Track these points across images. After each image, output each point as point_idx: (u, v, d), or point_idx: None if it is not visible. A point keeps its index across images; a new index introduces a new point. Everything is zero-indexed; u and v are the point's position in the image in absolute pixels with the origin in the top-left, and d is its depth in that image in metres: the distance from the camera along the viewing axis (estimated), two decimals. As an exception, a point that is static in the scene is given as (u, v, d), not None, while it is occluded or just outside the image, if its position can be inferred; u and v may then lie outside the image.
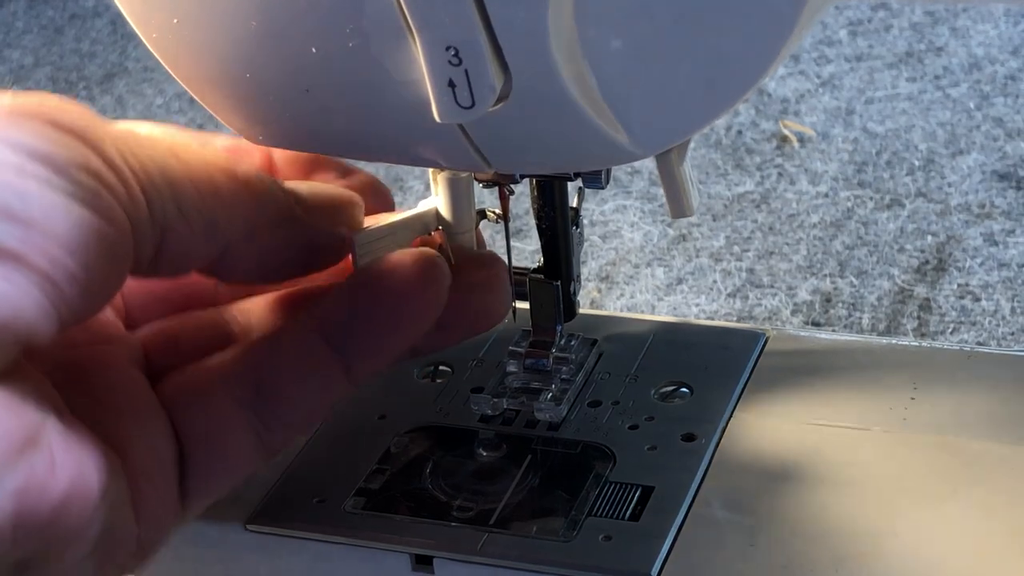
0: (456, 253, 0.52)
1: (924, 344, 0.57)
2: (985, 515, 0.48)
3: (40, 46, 1.14)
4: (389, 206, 0.53)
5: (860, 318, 0.76)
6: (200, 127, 0.94)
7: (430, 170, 0.52)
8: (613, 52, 0.41)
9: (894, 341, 0.57)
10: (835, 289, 0.78)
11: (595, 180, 0.51)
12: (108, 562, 0.43)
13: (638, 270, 0.82)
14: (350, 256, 0.50)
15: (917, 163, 0.89)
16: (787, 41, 0.40)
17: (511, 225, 0.55)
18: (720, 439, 0.52)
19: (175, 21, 0.45)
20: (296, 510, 0.52)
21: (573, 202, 0.55)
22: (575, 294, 0.56)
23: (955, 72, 0.98)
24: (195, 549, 0.53)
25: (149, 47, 0.47)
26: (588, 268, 0.82)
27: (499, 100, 0.42)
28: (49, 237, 0.39)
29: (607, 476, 0.51)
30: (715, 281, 0.80)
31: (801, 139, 0.92)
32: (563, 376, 0.55)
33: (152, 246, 0.44)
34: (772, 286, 0.79)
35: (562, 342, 0.55)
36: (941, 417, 0.52)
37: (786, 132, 0.93)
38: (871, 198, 0.86)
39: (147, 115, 1.01)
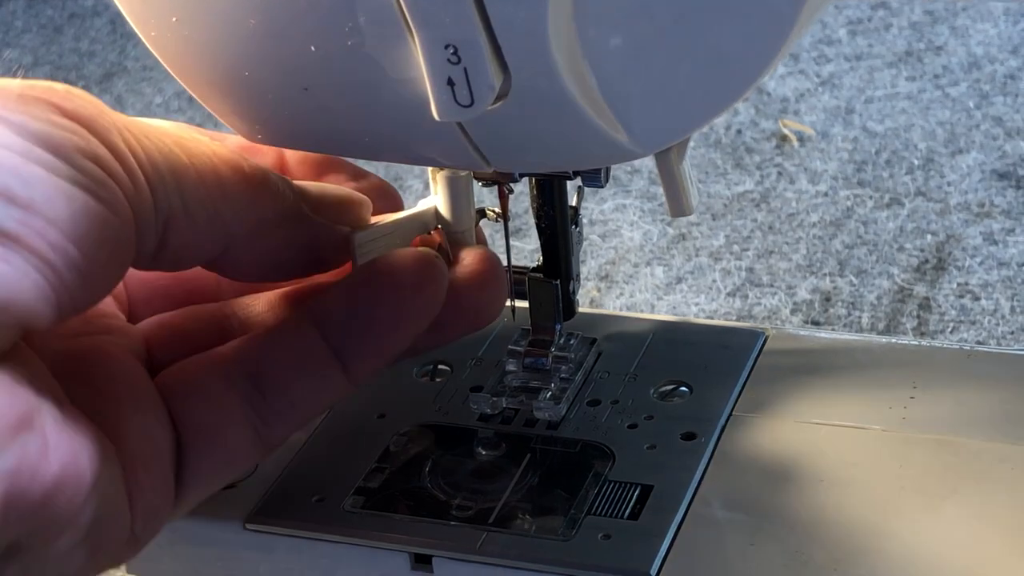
0: (452, 251, 0.52)
1: (924, 343, 0.57)
2: (984, 514, 0.48)
3: (39, 45, 1.14)
4: (398, 209, 0.54)
5: (860, 317, 0.76)
6: (199, 126, 0.93)
7: (429, 169, 0.52)
8: (612, 51, 0.41)
9: (894, 340, 0.57)
10: (835, 288, 0.78)
11: (594, 179, 0.51)
12: (100, 550, 0.43)
13: (637, 269, 0.82)
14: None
15: (917, 162, 0.89)
16: (786, 40, 0.40)
17: (510, 224, 0.55)
18: (719, 438, 0.52)
19: (174, 20, 0.45)
20: (295, 509, 0.52)
21: (572, 201, 0.55)
22: (574, 293, 0.56)
23: (955, 71, 0.98)
24: (194, 548, 0.53)
25: (148, 46, 0.47)
26: (587, 267, 0.82)
27: (498, 98, 0.42)
28: (50, 222, 0.39)
29: (606, 475, 0.51)
30: (714, 280, 0.80)
31: (801, 138, 0.92)
32: (562, 375, 0.55)
33: (155, 237, 0.44)
34: (772, 285, 0.79)
35: (561, 341, 0.55)
36: (941, 416, 0.52)
37: (786, 131, 0.93)
38: (871, 197, 0.86)
39: (146, 114, 1.01)
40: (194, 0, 0.44)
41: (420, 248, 0.50)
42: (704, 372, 0.55)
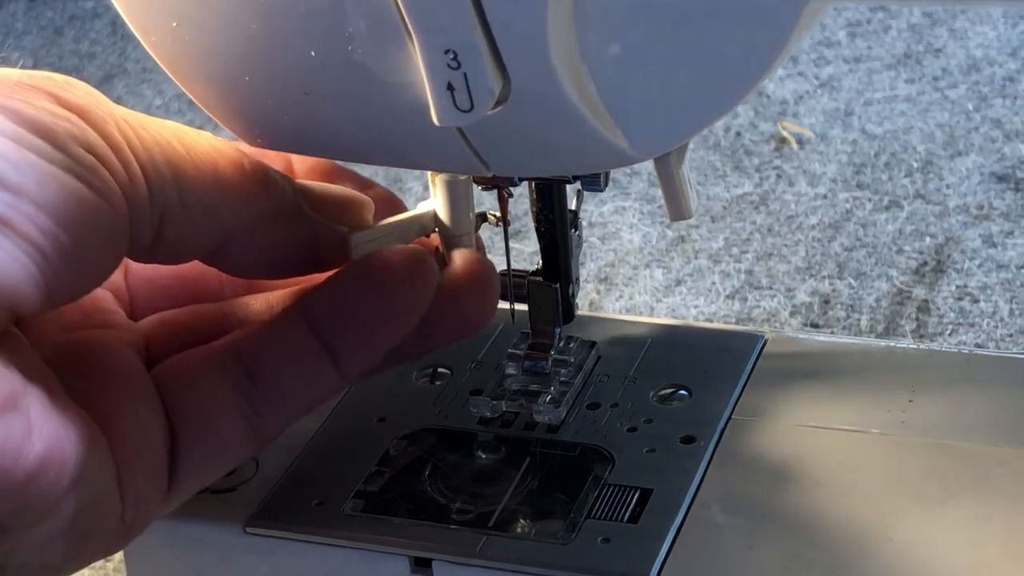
0: (445, 253, 0.52)
1: (923, 347, 0.57)
2: (983, 518, 0.48)
3: (39, 47, 1.14)
4: None
5: (859, 319, 0.76)
6: (199, 128, 0.94)
7: (429, 172, 0.52)
8: (612, 56, 0.41)
9: (892, 344, 0.57)
10: (834, 291, 0.78)
11: (594, 183, 0.51)
12: (89, 537, 0.44)
13: (637, 271, 0.82)
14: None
15: (915, 164, 0.89)
16: (785, 45, 0.40)
17: (510, 226, 0.55)
18: (719, 441, 0.53)
19: (175, 24, 0.45)
20: (296, 512, 0.52)
21: (572, 204, 0.55)
22: (574, 296, 0.56)
23: (953, 74, 0.98)
24: (194, 551, 0.53)
25: (148, 50, 0.47)
26: (587, 269, 0.82)
27: (498, 103, 0.42)
28: (40, 207, 0.40)
29: (606, 478, 0.51)
30: (714, 283, 0.80)
31: (800, 140, 0.92)
32: (562, 378, 0.55)
33: (151, 229, 0.44)
34: (771, 287, 0.79)
35: (561, 344, 0.56)
36: (939, 420, 0.52)
37: (785, 134, 0.93)
38: (869, 199, 0.86)
39: (146, 116, 1.00)
40: (195, 5, 0.44)
41: (411, 245, 0.50)
42: (703, 376, 0.55)
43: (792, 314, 0.77)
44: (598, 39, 0.41)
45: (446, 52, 0.41)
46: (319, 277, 0.51)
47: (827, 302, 0.78)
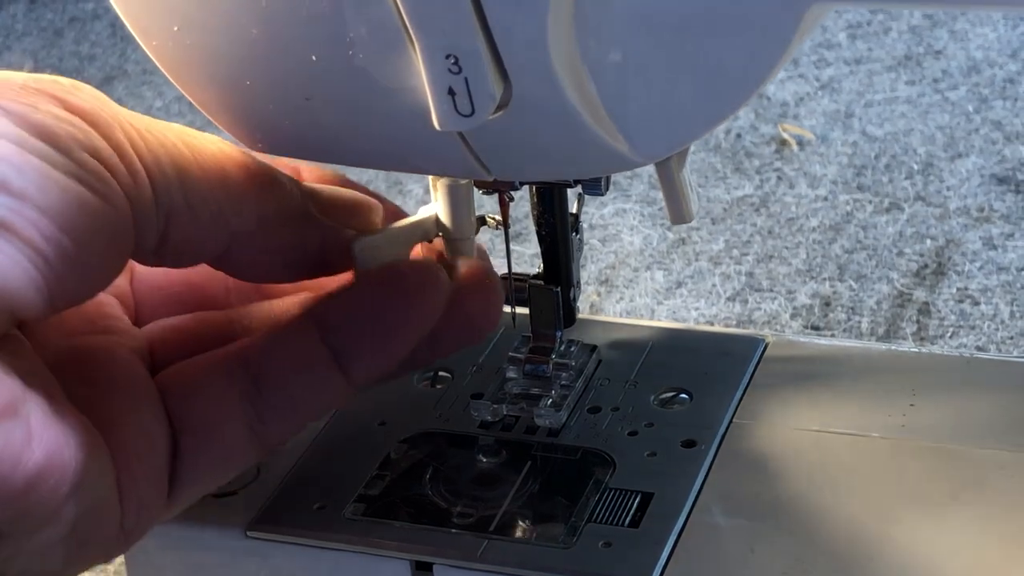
0: (451, 259, 0.52)
1: (923, 350, 0.57)
2: (984, 522, 0.48)
3: (39, 48, 1.14)
4: None
5: (859, 322, 0.76)
6: (200, 130, 0.94)
7: (430, 176, 0.52)
8: (613, 61, 0.41)
9: (893, 347, 0.57)
10: (834, 293, 0.78)
11: (595, 187, 0.51)
12: (88, 543, 0.44)
13: (637, 274, 0.82)
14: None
15: (916, 167, 0.89)
16: (785, 51, 0.40)
17: (510, 229, 0.55)
18: (720, 445, 0.53)
19: (175, 29, 0.45)
20: (297, 516, 0.52)
21: (573, 208, 0.55)
22: (575, 300, 0.56)
23: (954, 75, 0.98)
24: (196, 554, 0.53)
25: (149, 54, 0.47)
26: (587, 271, 0.82)
27: (499, 108, 0.42)
28: (43, 212, 0.40)
29: (607, 482, 0.51)
30: (714, 285, 0.80)
31: (800, 142, 0.92)
32: (563, 382, 0.55)
33: (156, 232, 0.44)
34: (771, 290, 0.79)
35: (562, 348, 0.56)
36: (940, 424, 0.52)
37: (785, 135, 0.93)
38: (870, 202, 0.86)
39: (147, 118, 1.00)
40: (196, 9, 0.44)
41: (423, 257, 0.50)
42: (704, 379, 0.55)
43: (793, 316, 0.77)
44: (599, 45, 0.41)
45: (447, 57, 0.41)
46: (326, 284, 0.51)
47: (828, 304, 0.78)
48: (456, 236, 0.52)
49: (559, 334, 0.55)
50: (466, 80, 0.41)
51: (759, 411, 0.54)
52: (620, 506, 0.50)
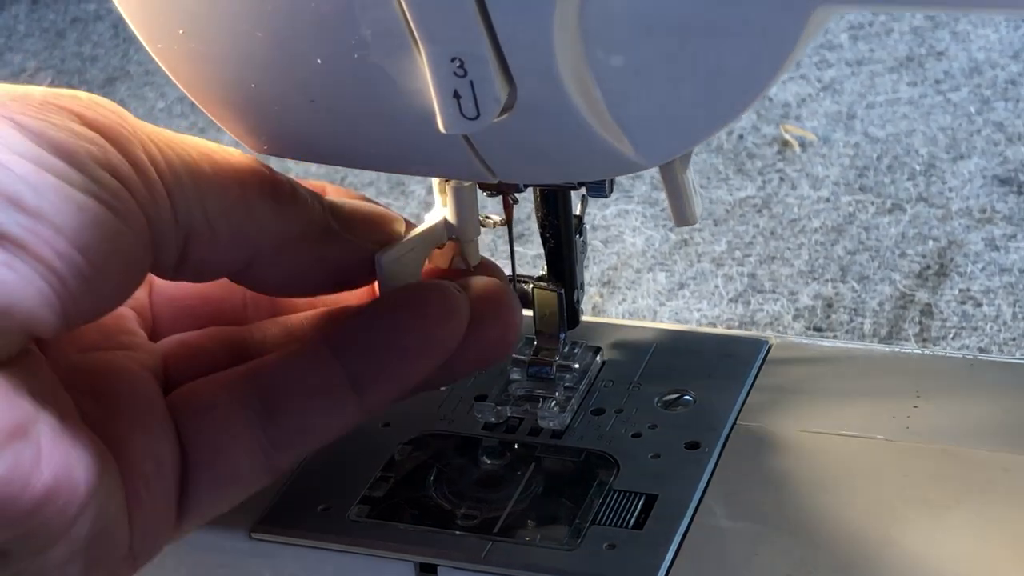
0: (468, 286, 0.51)
1: (927, 352, 0.57)
2: (988, 523, 0.48)
3: (42, 49, 1.14)
4: None
5: (862, 323, 0.76)
6: (201, 132, 0.94)
7: (435, 180, 0.52)
8: (617, 65, 0.41)
9: (897, 349, 0.57)
10: (837, 294, 0.79)
11: (599, 189, 0.51)
12: (97, 565, 0.43)
13: (640, 275, 0.82)
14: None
15: (918, 168, 0.89)
16: (789, 56, 0.40)
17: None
18: (723, 447, 0.53)
19: (181, 32, 0.45)
20: (300, 518, 0.52)
21: (576, 210, 0.55)
22: (578, 302, 0.56)
23: (956, 76, 0.98)
24: (199, 556, 0.53)
25: (154, 57, 0.47)
26: (590, 273, 0.82)
27: (504, 111, 0.42)
28: (58, 230, 0.40)
29: (611, 484, 0.51)
30: (717, 286, 0.80)
31: (802, 144, 0.92)
32: (566, 384, 0.55)
33: (176, 249, 0.44)
34: (774, 291, 0.79)
35: (565, 350, 0.56)
36: (944, 425, 0.52)
37: (787, 137, 0.93)
38: (872, 203, 0.86)
39: (148, 119, 1.00)
40: (201, 12, 0.44)
41: (442, 281, 0.50)
42: (708, 381, 0.55)
43: (795, 318, 0.77)
44: (604, 49, 0.41)
45: (452, 60, 0.41)
46: (342, 299, 0.51)
47: (830, 306, 0.78)
48: (462, 238, 0.52)
49: (563, 336, 0.55)
50: (471, 83, 0.41)
51: (763, 413, 0.54)
52: (624, 508, 0.50)
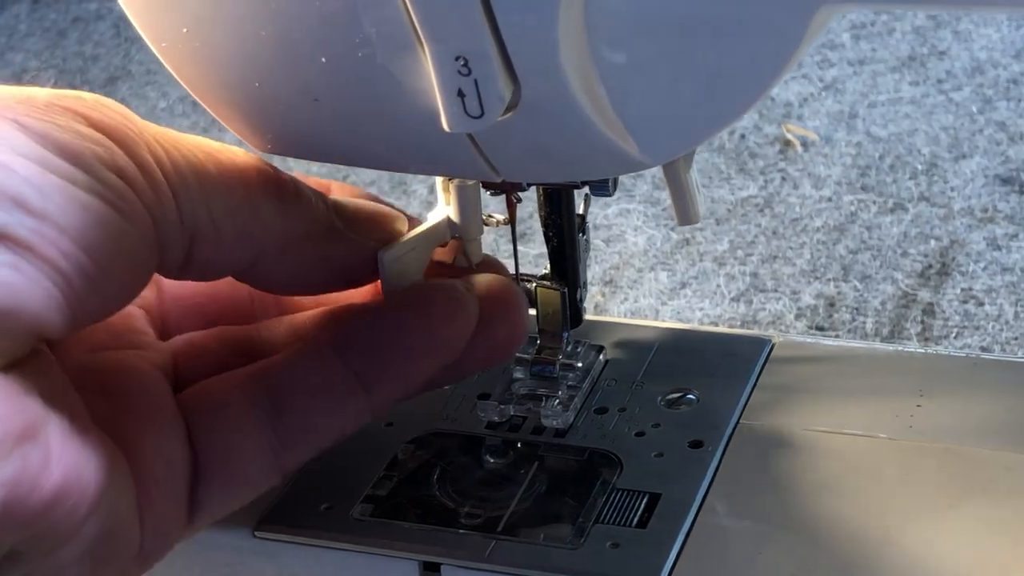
0: (475, 284, 0.51)
1: (930, 351, 0.57)
2: (991, 522, 0.48)
3: (43, 49, 1.14)
4: None
5: (864, 322, 0.76)
6: (204, 131, 0.94)
7: (439, 179, 0.52)
8: (622, 63, 0.41)
9: (900, 348, 0.58)
10: (839, 293, 0.79)
11: (602, 188, 0.51)
12: (107, 563, 0.43)
13: (642, 274, 0.82)
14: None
15: (920, 167, 0.89)
16: (793, 55, 0.40)
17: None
18: (727, 446, 0.53)
19: (185, 31, 0.45)
20: (304, 516, 0.52)
21: (579, 209, 0.55)
22: (581, 301, 0.56)
23: (958, 76, 0.98)
24: (203, 554, 0.53)
25: (158, 56, 0.47)
26: (592, 272, 0.82)
27: (508, 110, 0.42)
28: (63, 231, 0.40)
29: (614, 483, 0.51)
30: (719, 285, 0.80)
31: (804, 143, 0.92)
32: (570, 383, 0.55)
33: (181, 249, 0.44)
34: (776, 290, 0.79)
35: (569, 348, 0.56)
36: (947, 425, 0.52)
37: (789, 136, 0.93)
38: (874, 202, 0.86)
39: (150, 119, 1.00)
40: (205, 12, 0.44)
41: (450, 280, 0.50)
42: (711, 380, 0.55)
43: (797, 317, 0.77)
44: (609, 48, 0.41)
45: (457, 59, 0.41)
46: (348, 298, 0.51)
47: (832, 305, 0.78)
48: (465, 237, 0.52)
49: (566, 335, 0.55)
50: (476, 82, 0.41)
51: (766, 412, 0.54)
52: (627, 507, 0.50)
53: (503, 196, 0.53)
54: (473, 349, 0.49)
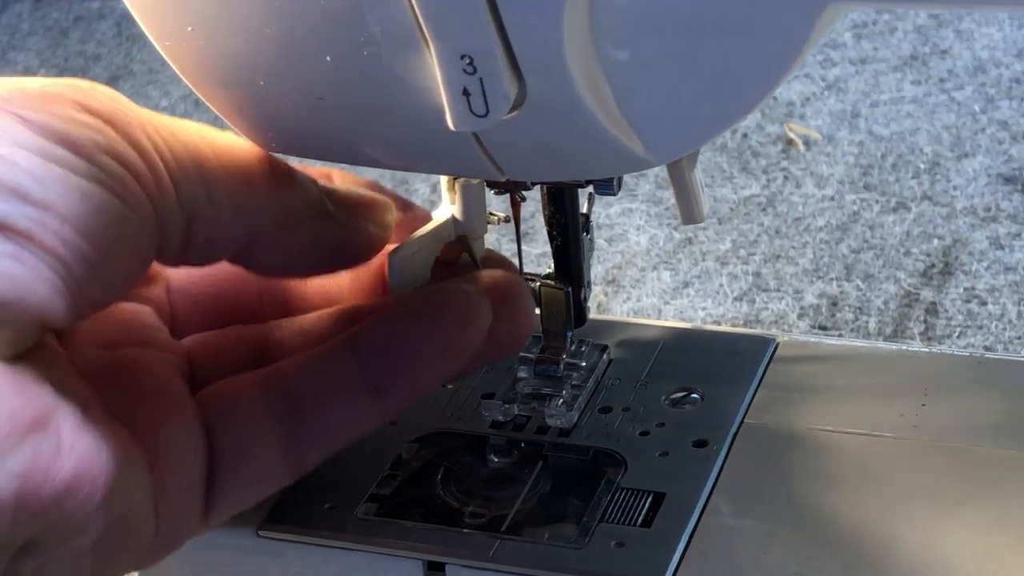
0: (480, 280, 0.51)
1: (934, 350, 0.57)
2: (997, 522, 0.48)
3: (45, 48, 1.14)
4: None
5: (867, 322, 0.76)
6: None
7: (443, 178, 0.52)
8: (627, 62, 0.41)
9: (904, 347, 0.57)
10: (841, 293, 0.78)
11: (607, 187, 0.51)
12: (122, 551, 0.44)
13: (644, 273, 0.82)
14: (387, 276, 0.50)
15: (922, 166, 0.89)
16: (800, 52, 0.40)
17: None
18: (731, 445, 0.53)
19: (189, 29, 0.45)
20: (308, 515, 0.52)
21: (583, 208, 0.55)
22: (585, 300, 0.56)
23: (960, 75, 0.98)
24: (207, 553, 0.53)
25: (163, 54, 0.47)
26: (594, 271, 0.81)
27: (513, 108, 0.42)
28: (65, 220, 0.40)
29: (618, 482, 0.51)
30: (721, 285, 0.80)
31: (807, 142, 0.92)
32: (574, 382, 0.55)
33: (180, 232, 0.44)
34: (778, 290, 0.79)
35: (573, 348, 0.56)
36: (953, 424, 0.52)
37: (791, 135, 0.93)
38: (877, 201, 0.86)
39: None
40: (210, 10, 0.44)
41: (462, 283, 0.50)
42: (715, 379, 0.55)
43: (800, 316, 0.77)
44: (614, 46, 0.41)
45: (462, 57, 0.41)
46: (354, 297, 0.51)
47: (835, 304, 0.78)
48: (471, 236, 0.52)
49: (570, 334, 0.55)
50: (481, 81, 0.41)
51: (770, 411, 0.54)
52: (632, 506, 0.50)
53: (505, 195, 0.53)
54: (481, 349, 0.49)
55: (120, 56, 1.11)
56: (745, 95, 0.42)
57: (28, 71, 1.11)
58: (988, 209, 0.84)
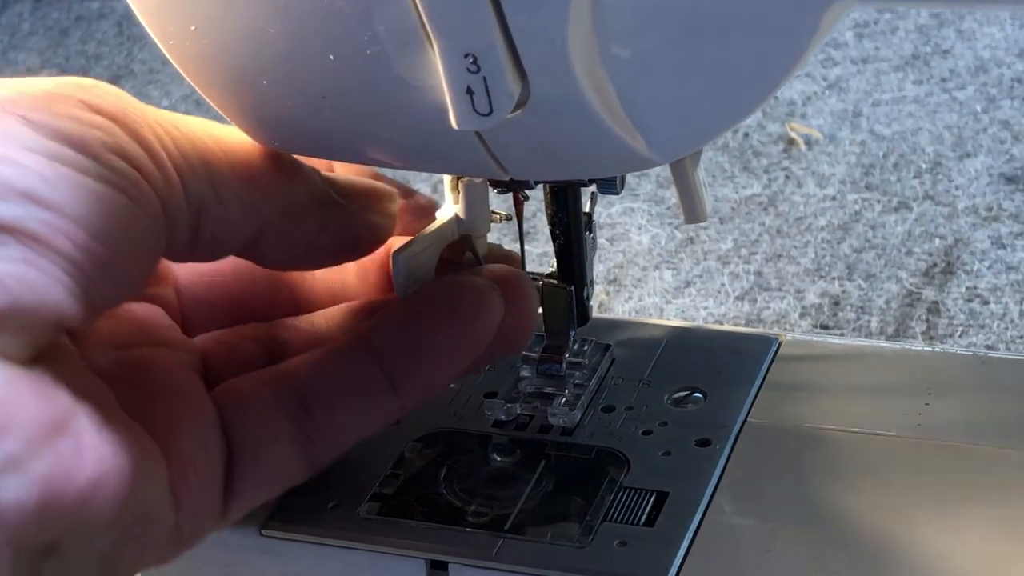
0: (483, 275, 0.51)
1: (937, 349, 0.57)
2: (1000, 520, 0.48)
3: (46, 48, 1.14)
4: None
5: (868, 321, 0.76)
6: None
7: (447, 177, 0.52)
8: (632, 61, 0.41)
9: (907, 346, 0.57)
10: (843, 292, 0.78)
11: (610, 186, 0.51)
12: (142, 548, 0.44)
13: (646, 273, 0.82)
14: (391, 275, 0.50)
15: (924, 166, 0.89)
16: (804, 51, 0.40)
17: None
18: (734, 444, 0.53)
19: (192, 28, 0.45)
20: (311, 515, 0.52)
21: (586, 207, 0.55)
22: (588, 299, 0.56)
23: (961, 75, 0.98)
24: (210, 552, 0.53)
25: (165, 53, 0.47)
26: (596, 270, 0.81)
27: (517, 107, 0.42)
28: (74, 220, 0.40)
29: (621, 481, 0.51)
30: (723, 284, 0.80)
31: (808, 142, 0.92)
32: (576, 381, 0.55)
33: (188, 228, 0.44)
34: (780, 289, 0.79)
35: (575, 347, 0.56)
36: (956, 423, 0.52)
37: (793, 135, 0.93)
38: (878, 201, 0.86)
39: (153, 117, 1.01)
40: (214, 10, 0.44)
41: (475, 278, 0.50)
42: (718, 378, 0.55)
43: (802, 316, 0.77)
44: (618, 45, 0.41)
45: (465, 56, 0.41)
46: (364, 294, 0.51)
47: (837, 304, 0.78)
48: (474, 234, 0.52)
49: (573, 333, 0.55)
50: (484, 79, 0.41)
51: (774, 410, 0.54)
52: (635, 505, 0.50)
53: (507, 193, 0.53)
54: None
55: (121, 56, 1.11)
56: (749, 94, 0.42)
57: (30, 71, 1.11)
58: (990, 209, 0.84)
